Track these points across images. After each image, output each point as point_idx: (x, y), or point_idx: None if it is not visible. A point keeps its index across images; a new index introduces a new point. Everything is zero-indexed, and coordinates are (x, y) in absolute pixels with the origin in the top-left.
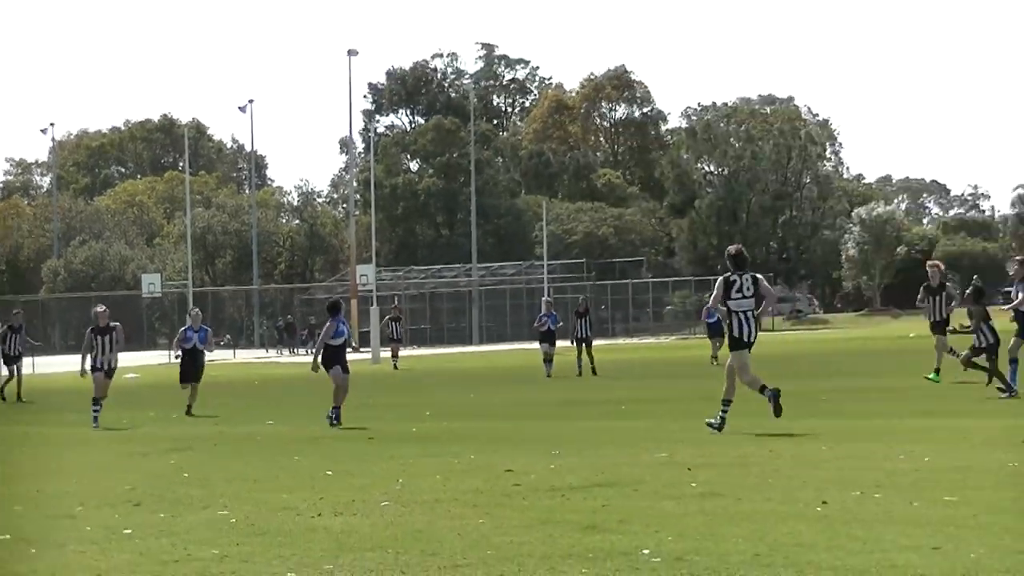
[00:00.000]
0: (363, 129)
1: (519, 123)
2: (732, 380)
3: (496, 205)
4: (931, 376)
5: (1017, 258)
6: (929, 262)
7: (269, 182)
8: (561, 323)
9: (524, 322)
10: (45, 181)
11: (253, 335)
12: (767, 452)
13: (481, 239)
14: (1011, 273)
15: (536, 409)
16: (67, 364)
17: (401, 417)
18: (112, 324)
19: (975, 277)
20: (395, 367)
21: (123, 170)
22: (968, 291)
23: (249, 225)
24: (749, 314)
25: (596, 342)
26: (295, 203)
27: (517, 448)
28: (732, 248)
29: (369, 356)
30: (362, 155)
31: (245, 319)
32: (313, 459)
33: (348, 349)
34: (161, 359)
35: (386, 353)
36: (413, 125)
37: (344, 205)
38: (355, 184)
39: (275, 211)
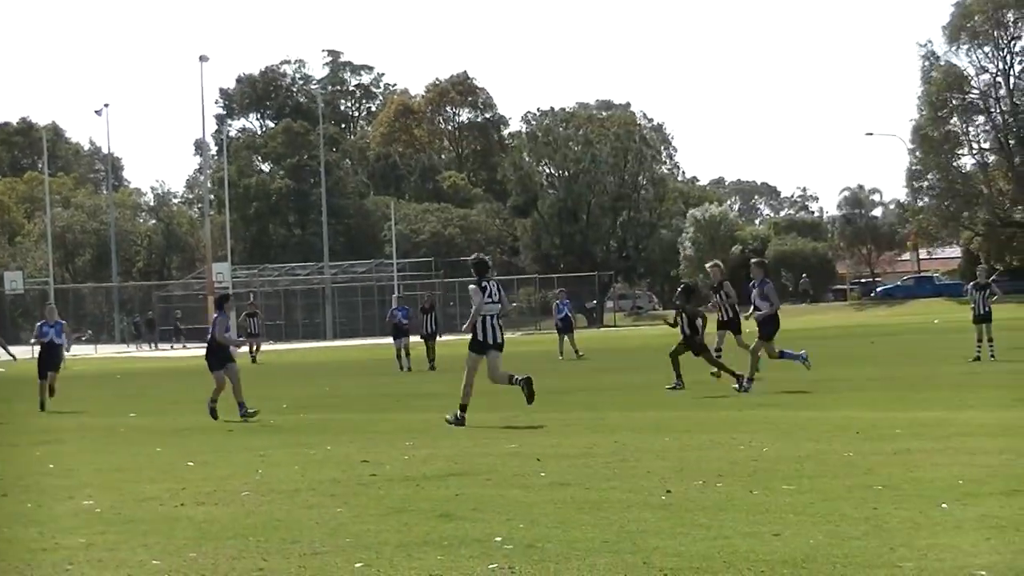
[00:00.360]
0: (216, 132)
1: (366, 127)
2: (471, 383)
3: (346, 205)
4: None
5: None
6: (709, 263)
7: (126, 183)
8: (412, 319)
9: (376, 317)
10: None
11: (114, 331)
12: (612, 443)
13: (332, 238)
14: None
15: (389, 401)
16: None
17: (260, 409)
18: None
19: (804, 276)
20: (253, 360)
21: None
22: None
23: (107, 224)
24: (496, 319)
25: (443, 338)
26: (151, 203)
27: (372, 439)
28: (477, 257)
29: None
30: (215, 157)
31: (105, 315)
32: (174, 451)
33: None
34: (24, 353)
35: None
36: (264, 128)
37: (199, 205)
38: (209, 185)
39: (132, 211)
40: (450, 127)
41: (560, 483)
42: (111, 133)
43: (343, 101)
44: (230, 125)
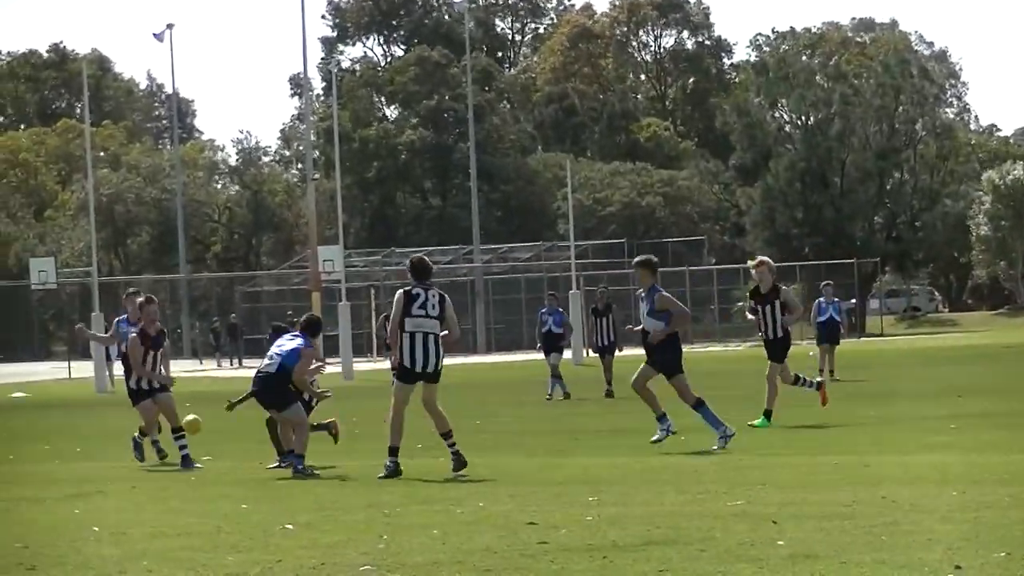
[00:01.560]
0: (323, 63)
1: (532, 57)
2: (398, 421)
3: (504, 166)
4: None
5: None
6: (754, 261)
7: (197, 135)
8: (568, 327)
9: (527, 322)
10: None
11: (181, 339)
12: (879, 499)
13: (485, 211)
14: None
15: (564, 440)
16: None
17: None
18: None
19: None
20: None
21: (0, 118)
22: None
23: (172, 192)
24: (431, 338)
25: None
26: (233, 163)
27: (540, 493)
28: (414, 257)
29: (339, 369)
30: (321, 98)
31: (170, 318)
32: (266, 507)
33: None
34: (59, 372)
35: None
36: (389, 59)
37: (299, 166)
38: (313, 137)
39: (207, 173)
40: (648, 57)
41: (805, 555)
42: (176, 65)
43: (500, 21)
44: (342, 53)
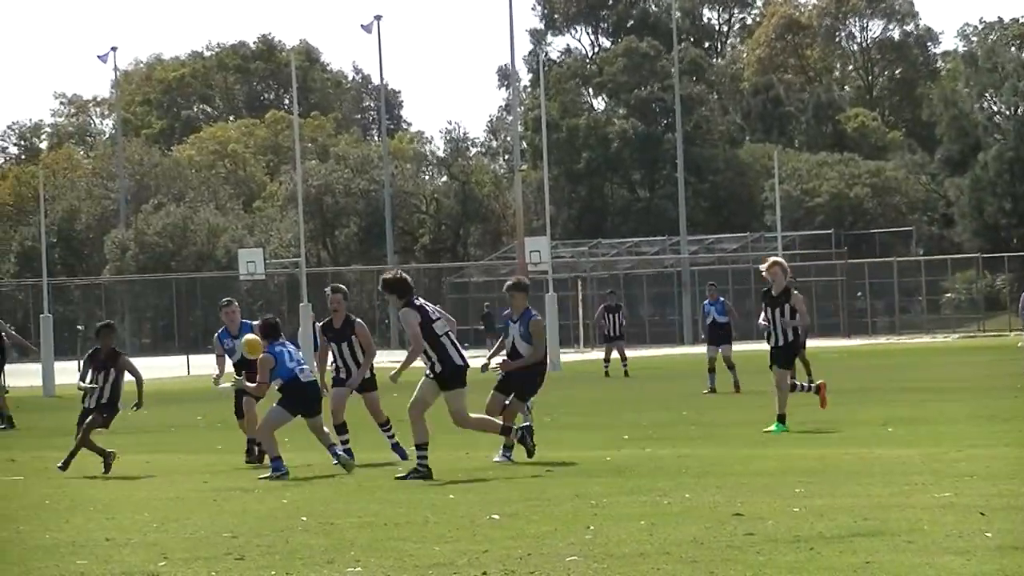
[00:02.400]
0: (530, 55)
1: (740, 48)
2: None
3: (712, 157)
4: None
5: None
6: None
7: (405, 126)
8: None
9: (751, 313)
10: (107, 124)
11: (389, 331)
12: None
13: (692, 202)
14: None
15: (767, 431)
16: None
17: (591, 441)
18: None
19: None
20: (626, 373)
21: (210, 110)
22: None
23: (380, 183)
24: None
25: (849, 341)
26: (441, 154)
27: (747, 484)
28: (388, 274)
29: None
30: (529, 90)
31: (377, 309)
32: (472, 497)
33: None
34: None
35: (593, 355)
36: (597, 49)
37: (507, 156)
38: (521, 128)
39: (415, 164)
40: (856, 47)
41: (1014, 546)
42: (384, 57)
43: (708, 12)
44: (549, 44)
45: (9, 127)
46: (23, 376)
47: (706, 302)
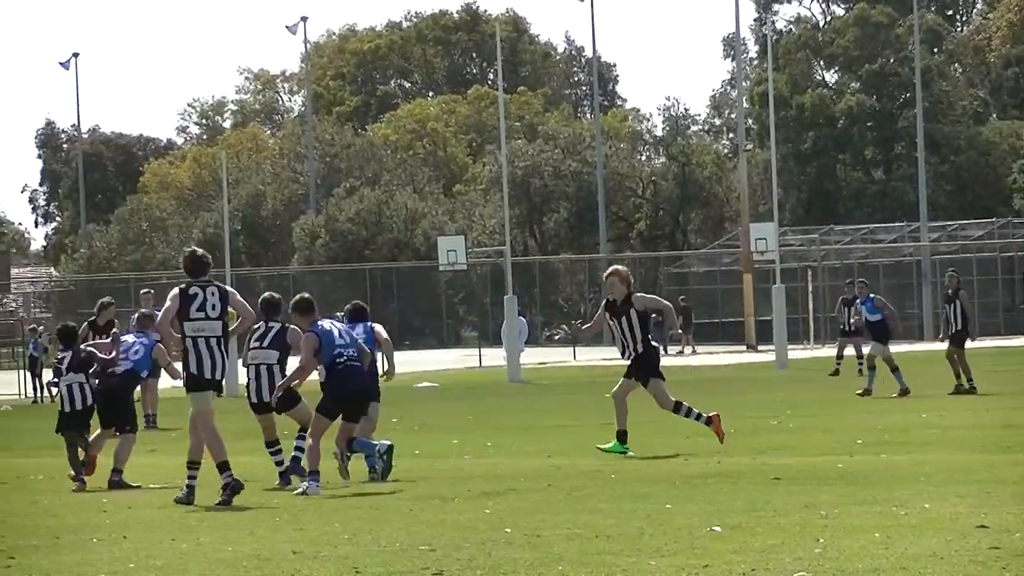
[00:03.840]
0: (756, 23)
1: (987, 15)
2: (196, 438)
3: (953, 135)
4: None
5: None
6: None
7: (620, 102)
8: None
9: (1000, 306)
10: (296, 101)
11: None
12: None
13: (932, 184)
14: None
15: (1002, 432)
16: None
17: (821, 445)
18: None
19: None
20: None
21: (407, 85)
22: None
23: (592, 165)
24: (214, 342)
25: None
26: (659, 132)
27: (993, 493)
28: (186, 250)
29: (773, 358)
30: (755, 61)
31: (590, 303)
32: (692, 507)
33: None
34: (469, 360)
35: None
36: (828, 18)
37: (731, 136)
38: (746, 104)
39: (630, 144)
40: None
41: None
42: (598, 26)
43: None
44: (776, 13)
45: (190, 105)
46: None
47: (855, 298)
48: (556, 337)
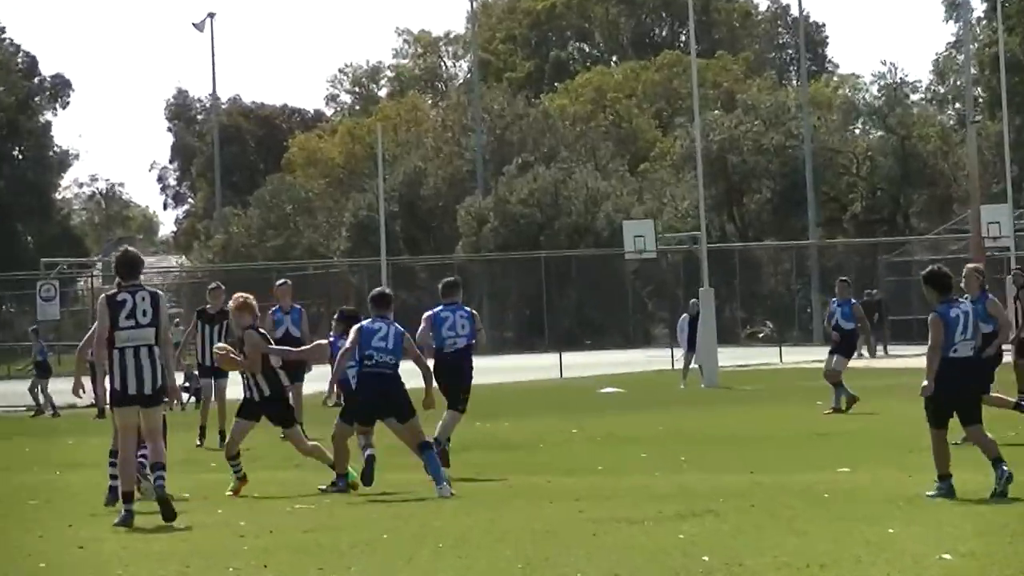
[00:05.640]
0: None
1: None
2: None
3: None
4: None
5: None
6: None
7: (830, 68)
8: None
9: None
10: (461, 67)
11: (811, 321)
12: None
13: None
14: None
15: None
16: (513, 370)
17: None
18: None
19: None
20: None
21: (587, 49)
22: None
23: (799, 138)
24: (145, 351)
25: None
26: (876, 103)
27: None
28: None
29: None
30: (982, 21)
31: (797, 295)
32: (917, 531)
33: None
34: (659, 362)
35: None
36: None
37: (956, 105)
38: (974, 70)
39: (842, 115)
40: None
41: None
42: None
43: None
44: None
45: (341, 71)
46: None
47: (833, 300)
48: (760, 335)
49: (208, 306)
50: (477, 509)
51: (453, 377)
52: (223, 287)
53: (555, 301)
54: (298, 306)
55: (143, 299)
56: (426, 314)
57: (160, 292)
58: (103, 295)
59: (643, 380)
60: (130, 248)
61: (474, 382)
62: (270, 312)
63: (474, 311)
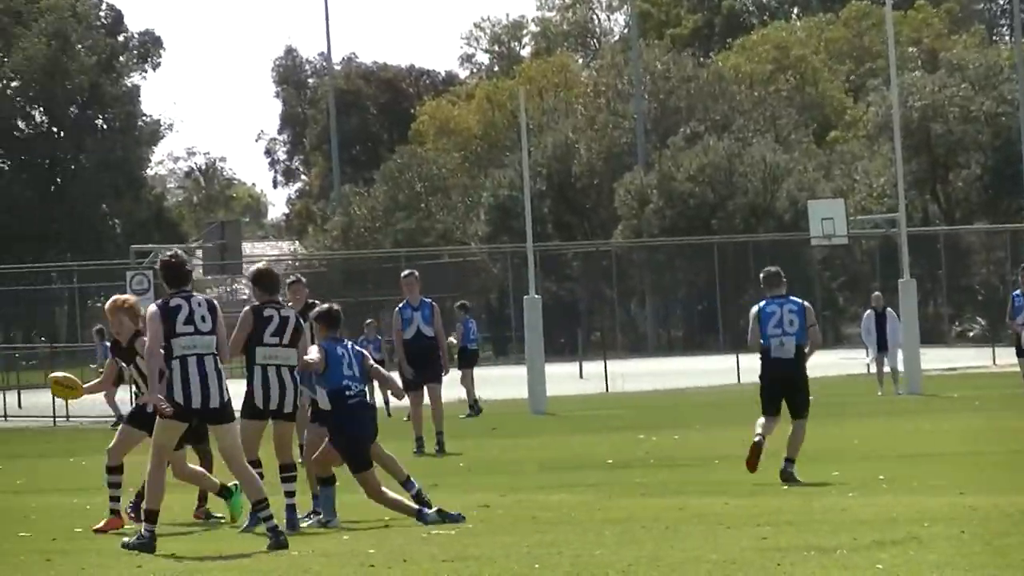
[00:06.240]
0: None
1: None
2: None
3: None
4: None
5: None
6: None
7: None
8: None
9: None
10: (616, 22)
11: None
12: None
13: None
14: None
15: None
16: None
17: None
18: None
19: None
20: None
21: (764, 1)
22: None
23: (1013, 105)
24: (209, 360)
25: None
26: None
27: None
28: (164, 256)
29: None
30: None
31: (1013, 285)
32: None
33: None
34: (852, 364)
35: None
36: None
37: None
38: None
39: None
40: None
41: None
42: None
43: None
44: None
45: (477, 26)
46: (500, 384)
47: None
48: (970, 334)
49: (288, 304)
50: (642, 536)
51: (786, 387)
52: (304, 281)
53: (730, 294)
54: (429, 301)
55: (199, 305)
56: (753, 310)
57: (215, 301)
58: (152, 304)
59: (834, 386)
60: (179, 253)
61: (637, 388)
62: (397, 309)
63: (806, 303)
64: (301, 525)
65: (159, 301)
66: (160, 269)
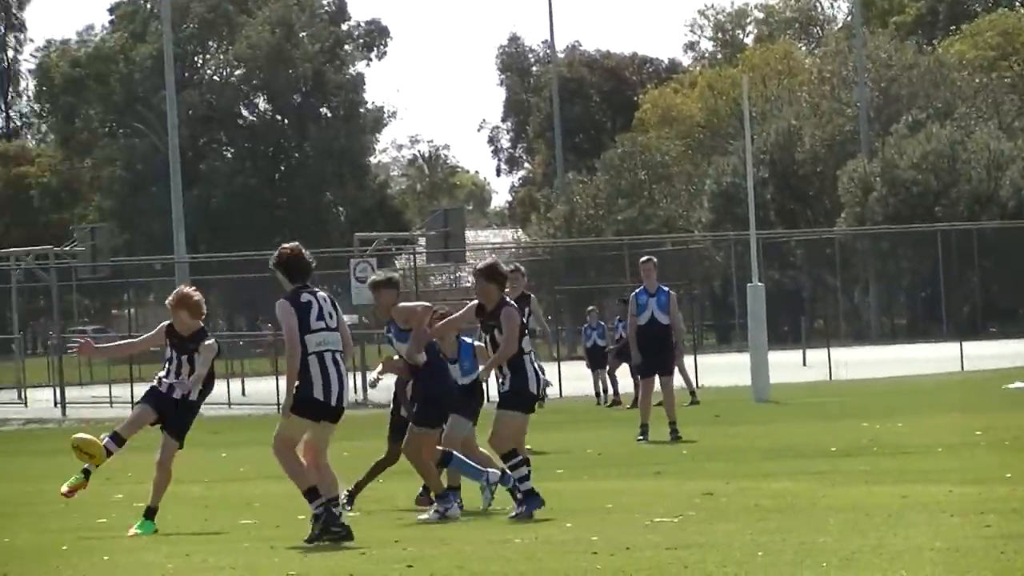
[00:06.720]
0: None
1: None
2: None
3: None
4: None
5: None
6: None
7: None
8: None
9: None
10: (840, 9)
11: None
12: None
13: None
14: None
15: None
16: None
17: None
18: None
19: None
20: None
21: None
22: None
23: None
24: (340, 357)
25: None
26: None
27: None
28: (285, 248)
29: None
30: None
31: None
32: None
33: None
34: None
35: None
36: None
37: None
38: None
39: None
40: None
41: None
42: None
43: None
44: None
45: (701, 13)
46: (723, 371)
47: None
48: None
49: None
50: (866, 525)
51: None
52: (523, 270)
53: (954, 282)
54: (667, 288)
55: (325, 300)
56: None
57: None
58: (282, 298)
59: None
60: (299, 245)
61: (860, 376)
62: (633, 294)
63: None
64: (421, 517)
65: (288, 295)
66: (281, 262)
